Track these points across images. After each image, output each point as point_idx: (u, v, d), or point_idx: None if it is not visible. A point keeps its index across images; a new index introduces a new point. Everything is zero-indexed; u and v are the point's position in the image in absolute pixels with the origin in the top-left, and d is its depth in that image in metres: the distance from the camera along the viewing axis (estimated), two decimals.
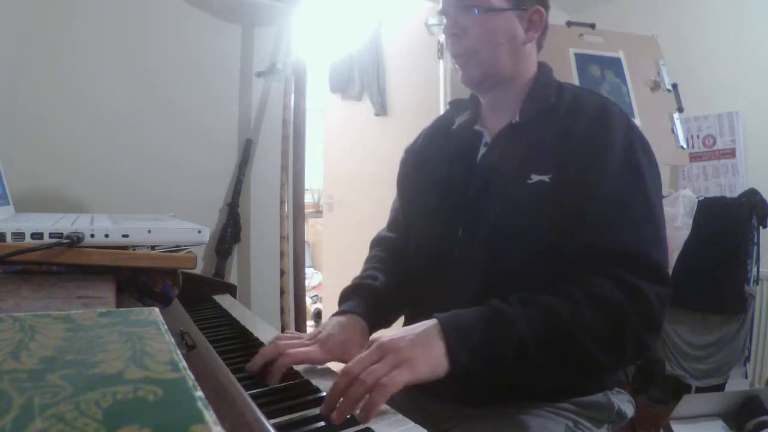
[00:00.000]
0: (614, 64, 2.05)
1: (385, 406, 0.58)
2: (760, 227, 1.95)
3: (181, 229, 0.76)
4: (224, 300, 1.14)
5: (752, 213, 1.94)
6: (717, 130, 2.25)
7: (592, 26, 2.10)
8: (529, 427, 0.71)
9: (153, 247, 0.75)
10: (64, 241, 0.65)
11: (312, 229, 4.33)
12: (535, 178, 0.75)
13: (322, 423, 0.54)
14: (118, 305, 0.54)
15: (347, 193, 2.93)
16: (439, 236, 0.84)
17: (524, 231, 0.74)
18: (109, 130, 1.49)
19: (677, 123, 2.01)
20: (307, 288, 1.85)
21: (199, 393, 0.26)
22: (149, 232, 0.72)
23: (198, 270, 1.56)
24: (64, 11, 1.41)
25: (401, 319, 0.91)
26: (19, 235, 0.65)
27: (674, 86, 2.07)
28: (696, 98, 2.18)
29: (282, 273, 1.68)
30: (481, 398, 0.76)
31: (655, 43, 2.14)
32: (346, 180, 2.94)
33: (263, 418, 0.46)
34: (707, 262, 1.93)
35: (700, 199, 1.99)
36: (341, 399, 0.55)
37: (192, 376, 0.28)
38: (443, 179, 0.88)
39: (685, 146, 2.01)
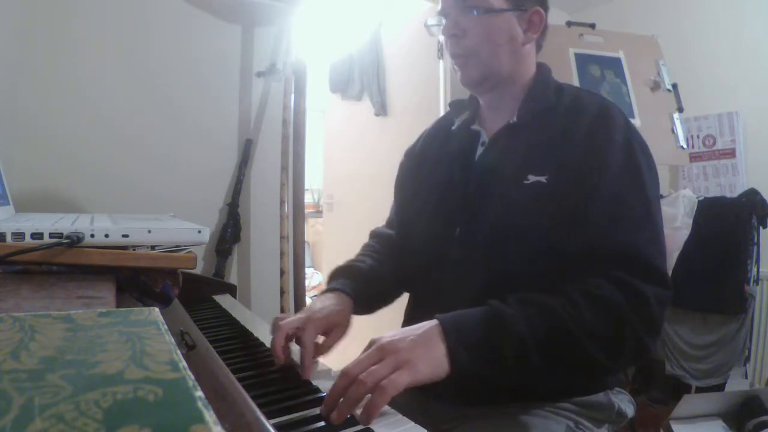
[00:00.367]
0: (614, 64, 2.05)
1: (385, 407, 0.57)
2: (760, 227, 1.95)
3: (181, 229, 0.76)
4: (224, 300, 1.14)
5: (752, 213, 1.94)
6: (717, 130, 2.25)
7: (592, 26, 2.10)
8: (530, 427, 0.71)
9: (153, 247, 0.75)
10: (64, 241, 0.65)
11: (312, 229, 4.34)
12: (532, 178, 0.75)
13: (322, 423, 0.54)
14: (118, 305, 0.54)
15: (347, 193, 2.93)
16: (438, 236, 0.84)
17: (523, 231, 0.74)
18: (109, 130, 1.49)
19: (677, 123, 2.01)
20: (307, 288, 1.85)
21: (199, 393, 0.26)
22: (149, 232, 0.72)
23: (198, 270, 1.56)
24: (64, 11, 1.41)
25: (401, 320, 0.91)
26: (19, 235, 0.65)
27: (674, 86, 2.07)
28: (696, 98, 2.18)
29: (282, 273, 1.68)
30: (482, 398, 0.76)
31: (655, 43, 2.14)
32: (346, 180, 2.94)
33: (263, 418, 0.46)
34: (707, 262, 1.93)
35: (700, 199, 1.99)
36: (341, 399, 0.55)
37: (192, 376, 0.28)
38: (442, 179, 0.88)
39: (685, 146, 2.01)
